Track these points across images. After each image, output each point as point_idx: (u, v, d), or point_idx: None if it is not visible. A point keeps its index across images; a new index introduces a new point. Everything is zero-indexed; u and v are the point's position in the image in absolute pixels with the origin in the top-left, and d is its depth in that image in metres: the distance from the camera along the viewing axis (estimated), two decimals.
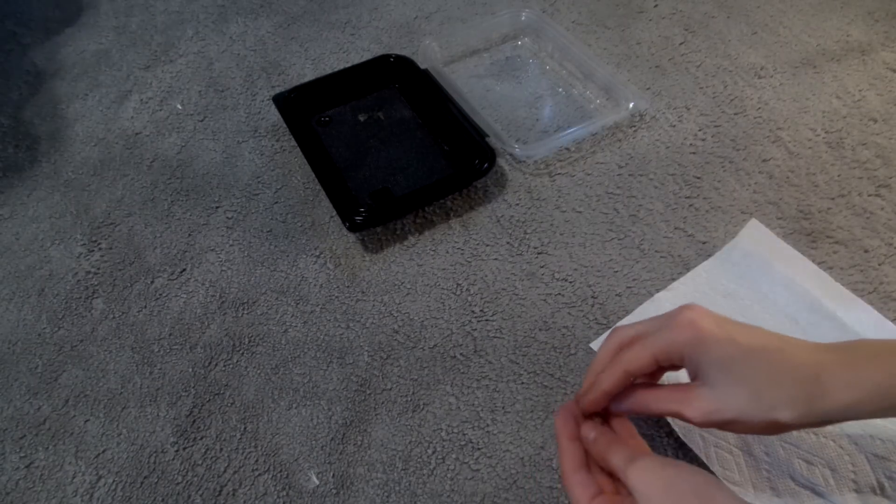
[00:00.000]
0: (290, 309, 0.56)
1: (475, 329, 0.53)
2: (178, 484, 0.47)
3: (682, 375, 0.37)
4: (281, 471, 0.47)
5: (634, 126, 0.67)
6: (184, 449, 0.49)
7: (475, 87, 0.73)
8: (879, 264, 0.54)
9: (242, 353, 0.54)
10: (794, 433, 0.43)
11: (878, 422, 0.43)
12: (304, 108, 0.69)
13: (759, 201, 0.60)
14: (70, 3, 0.91)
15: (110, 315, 0.57)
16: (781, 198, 0.60)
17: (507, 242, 0.59)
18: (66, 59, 0.82)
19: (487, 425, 0.48)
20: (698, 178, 0.62)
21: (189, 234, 0.62)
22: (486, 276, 0.57)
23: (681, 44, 0.76)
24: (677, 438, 0.45)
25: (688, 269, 0.55)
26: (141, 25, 0.86)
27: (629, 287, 0.55)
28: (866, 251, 0.55)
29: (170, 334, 0.55)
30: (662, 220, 0.59)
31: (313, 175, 0.63)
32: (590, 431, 0.37)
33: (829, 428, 0.43)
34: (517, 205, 0.62)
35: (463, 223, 0.61)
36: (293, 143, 0.69)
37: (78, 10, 0.89)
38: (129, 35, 0.85)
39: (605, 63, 0.74)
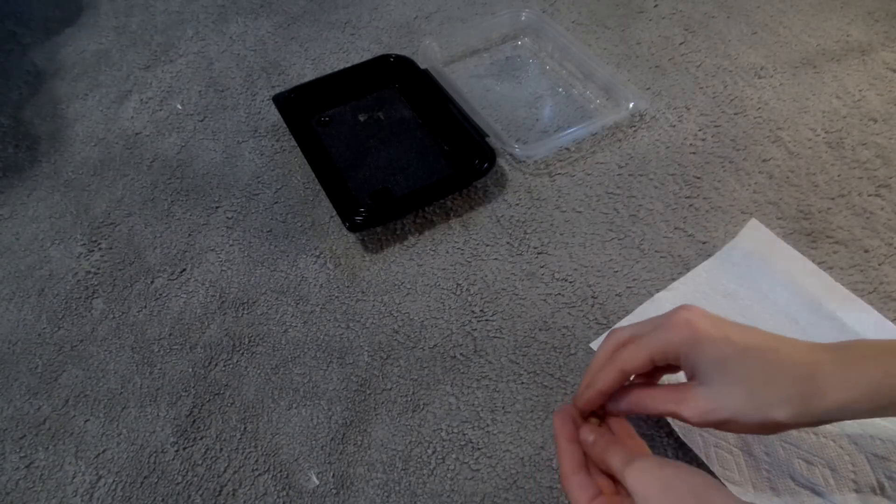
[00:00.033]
0: (290, 309, 0.56)
1: (475, 329, 0.53)
2: (178, 484, 0.47)
3: (680, 378, 0.37)
4: (281, 471, 0.47)
5: (634, 126, 0.67)
6: (184, 449, 0.49)
7: (475, 87, 0.73)
8: (879, 264, 0.54)
9: (242, 353, 0.54)
10: (794, 433, 0.43)
11: (878, 422, 0.43)
12: (304, 108, 0.69)
13: (759, 201, 0.60)
14: (70, 3, 0.91)
15: (110, 315, 0.57)
16: (781, 198, 0.60)
17: (507, 242, 0.59)
18: (66, 59, 0.82)
19: (487, 425, 0.48)
20: (698, 178, 0.62)
21: (189, 234, 0.62)
22: (486, 276, 0.57)
23: (681, 44, 0.76)
24: (677, 438, 0.45)
25: (688, 269, 0.55)
26: (141, 25, 0.86)
27: (629, 287, 0.55)
28: (866, 251, 0.55)
29: (170, 334, 0.55)
30: (662, 220, 0.59)
31: (313, 175, 0.63)
32: (588, 434, 0.37)
33: (829, 428, 0.43)
34: (517, 205, 0.62)
35: (463, 223, 0.61)
36: (293, 143, 0.69)
37: (78, 10, 0.89)
38: (129, 35, 0.85)
39: (605, 63, 0.74)
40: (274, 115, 0.72)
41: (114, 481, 0.48)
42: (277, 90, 0.72)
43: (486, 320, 0.54)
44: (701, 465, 0.43)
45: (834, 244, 0.56)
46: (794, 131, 0.65)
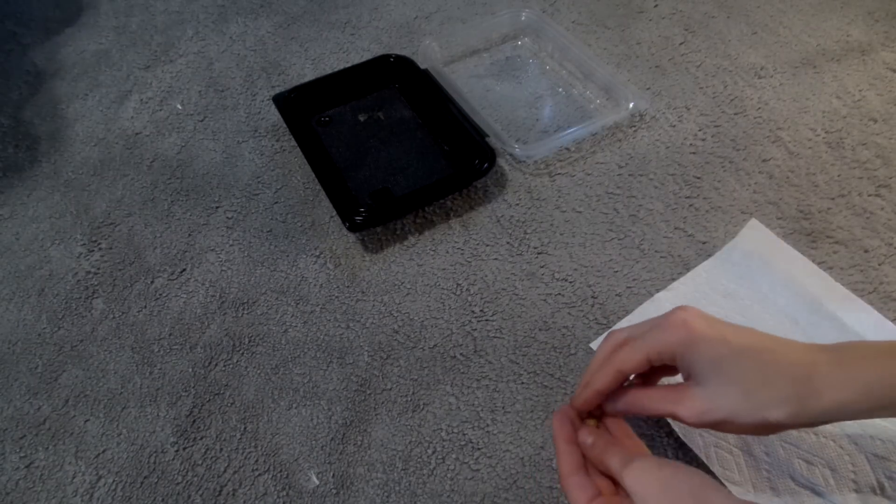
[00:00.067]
0: (290, 309, 0.56)
1: (475, 329, 0.53)
2: (178, 484, 0.47)
3: (679, 381, 0.37)
4: (281, 471, 0.47)
5: (634, 126, 0.67)
6: (184, 449, 0.49)
7: (475, 87, 0.73)
8: (879, 264, 0.54)
9: (242, 353, 0.54)
10: (794, 433, 0.43)
11: (878, 422, 0.43)
12: (304, 108, 0.69)
13: (759, 201, 0.60)
14: (70, 3, 0.91)
15: (110, 315, 0.57)
16: (781, 198, 0.60)
17: (507, 242, 0.59)
18: (66, 59, 0.82)
19: (487, 425, 0.48)
20: (698, 178, 0.62)
21: (189, 234, 0.62)
22: (486, 276, 0.57)
23: (681, 44, 0.76)
24: (677, 438, 0.45)
25: (688, 269, 0.55)
26: (141, 25, 0.86)
27: (629, 287, 0.55)
28: (866, 251, 0.55)
29: (170, 334, 0.55)
30: (662, 220, 0.59)
31: (313, 175, 0.63)
32: (587, 437, 0.38)
33: (829, 428, 0.43)
34: (517, 205, 0.62)
35: (463, 223, 0.61)
36: (293, 143, 0.69)
37: (78, 10, 0.89)
38: (129, 35, 0.85)
39: (605, 63, 0.74)
40: (274, 115, 0.72)
41: (114, 481, 0.48)
42: (277, 90, 0.72)
43: (486, 320, 0.54)
44: (701, 465, 0.43)
45: (834, 244, 0.56)
46: (794, 131, 0.65)
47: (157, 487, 0.47)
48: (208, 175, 0.67)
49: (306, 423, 0.49)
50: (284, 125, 0.68)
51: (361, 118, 0.70)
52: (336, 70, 0.73)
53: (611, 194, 0.62)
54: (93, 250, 0.62)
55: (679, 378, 0.37)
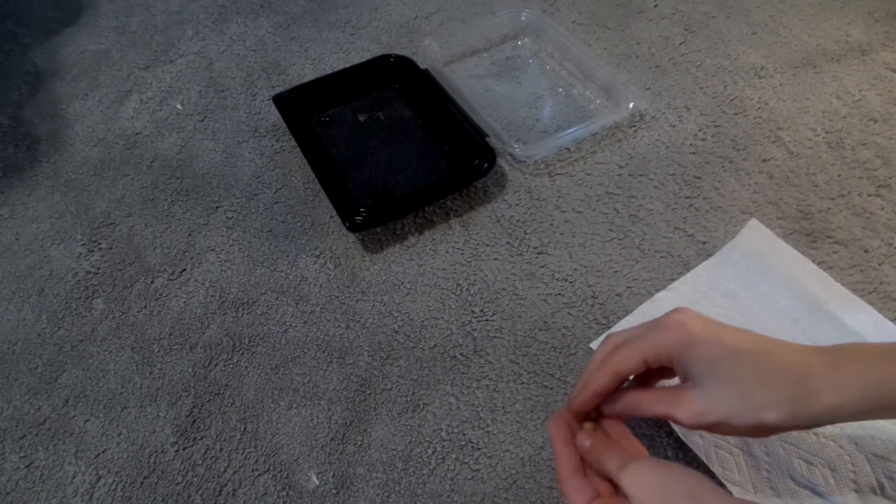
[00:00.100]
0: (290, 309, 0.56)
1: (475, 329, 0.53)
2: (178, 484, 0.47)
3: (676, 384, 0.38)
4: (281, 471, 0.47)
5: (634, 126, 0.67)
6: (184, 449, 0.49)
7: (475, 87, 0.73)
8: (879, 264, 0.54)
9: (242, 353, 0.54)
10: (794, 433, 0.43)
11: (879, 422, 0.43)
12: (304, 108, 0.69)
13: (759, 201, 0.60)
14: (70, 3, 0.91)
15: (110, 315, 0.57)
16: (781, 198, 0.60)
17: (507, 242, 0.59)
18: (66, 59, 0.82)
19: (487, 425, 0.48)
20: (698, 178, 0.62)
21: (189, 234, 0.62)
22: (486, 276, 0.57)
23: (681, 44, 0.76)
24: (677, 439, 0.45)
25: (688, 269, 0.55)
26: (141, 25, 0.86)
27: (629, 287, 0.55)
28: (866, 251, 0.55)
29: (170, 334, 0.55)
30: (662, 220, 0.59)
31: (313, 175, 0.63)
32: (584, 440, 0.38)
33: (829, 428, 0.43)
34: (517, 205, 0.62)
35: (463, 223, 0.61)
36: (293, 143, 0.69)
37: (78, 10, 0.89)
38: (129, 35, 0.85)
39: (605, 63, 0.74)
40: (274, 115, 0.72)
41: (114, 481, 0.48)
42: (277, 90, 0.72)
43: (486, 320, 0.54)
44: (701, 466, 0.43)
45: (834, 244, 0.56)
46: (794, 131, 0.65)
47: (157, 487, 0.47)
48: (208, 175, 0.67)
49: (306, 423, 0.49)
50: (284, 125, 0.68)
51: (361, 118, 0.70)
52: (336, 70, 0.73)
53: (611, 194, 0.62)
54: (93, 250, 0.62)
55: (676, 381, 0.37)
